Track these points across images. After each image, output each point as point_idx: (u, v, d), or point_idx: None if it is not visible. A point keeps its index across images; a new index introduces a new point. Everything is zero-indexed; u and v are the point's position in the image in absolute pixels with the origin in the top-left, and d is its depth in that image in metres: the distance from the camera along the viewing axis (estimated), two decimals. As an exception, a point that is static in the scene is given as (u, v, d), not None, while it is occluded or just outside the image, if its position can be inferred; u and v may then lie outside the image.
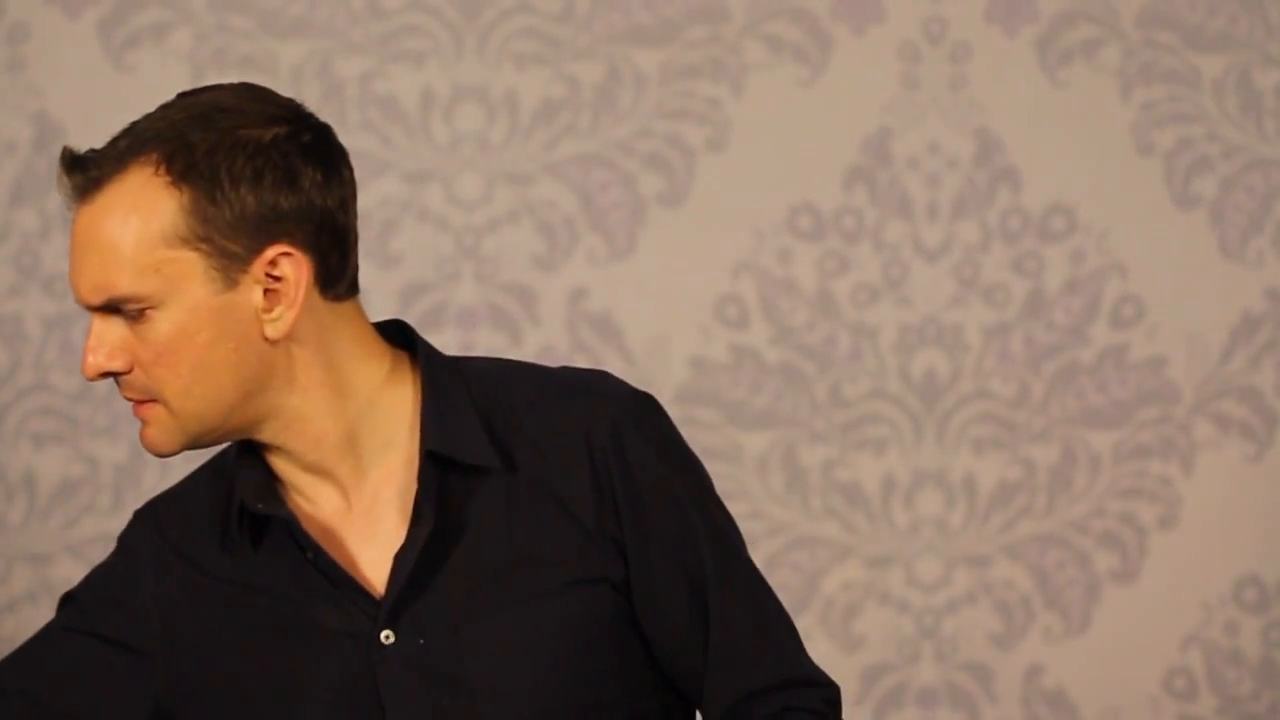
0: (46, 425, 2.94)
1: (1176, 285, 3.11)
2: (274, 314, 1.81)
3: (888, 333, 3.07)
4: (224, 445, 1.91)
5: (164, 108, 1.88)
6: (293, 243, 1.83)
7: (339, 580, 1.82)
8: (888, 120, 3.08)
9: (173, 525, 1.93)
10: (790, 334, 3.06)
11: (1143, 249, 3.11)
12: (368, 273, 3.06)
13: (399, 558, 1.83)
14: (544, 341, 2.99)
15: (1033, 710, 3.09)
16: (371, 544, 1.85)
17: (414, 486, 1.83)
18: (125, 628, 1.93)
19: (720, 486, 1.93)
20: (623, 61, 2.95)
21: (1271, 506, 3.12)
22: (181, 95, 1.87)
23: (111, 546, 2.96)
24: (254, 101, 1.96)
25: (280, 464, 1.86)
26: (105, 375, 1.79)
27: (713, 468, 1.94)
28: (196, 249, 1.80)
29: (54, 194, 2.94)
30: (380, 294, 2.98)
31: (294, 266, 1.82)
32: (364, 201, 3.04)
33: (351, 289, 1.87)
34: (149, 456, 2.94)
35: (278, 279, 1.81)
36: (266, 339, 1.81)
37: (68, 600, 2.01)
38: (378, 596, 1.82)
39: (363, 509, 1.86)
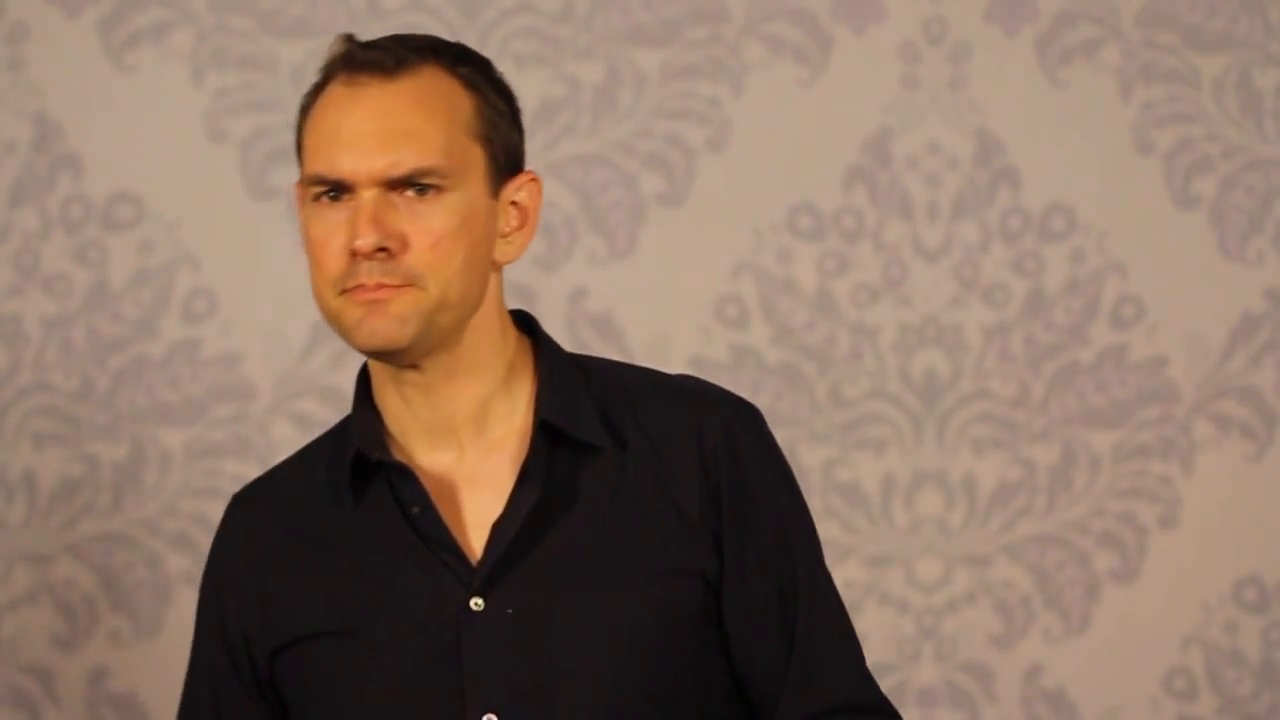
0: (46, 425, 2.94)
1: (1176, 285, 3.12)
2: (510, 237, 1.89)
3: (888, 333, 3.08)
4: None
5: (375, 45, 1.92)
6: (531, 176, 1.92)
7: (436, 541, 1.84)
8: (888, 120, 3.08)
9: (260, 503, 1.98)
10: (790, 334, 3.06)
11: (1143, 249, 3.11)
12: (368, 273, 3.06)
13: (499, 526, 1.85)
14: (544, 341, 2.99)
15: (1033, 710, 3.09)
16: (472, 510, 1.87)
17: (523, 459, 1.86)
18: (242, 662, 1.93)
19: (720, 486, 1.94)
20: (623, 61, 2.95)
21: (1271, 506, 3.12)
22: (371, 45, 1.92)
23: (111, 546, 2.98)
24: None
25: (405, 417, 1.89)
26: (374, 253, 1.81)
27: (713, 468, 1.96)
28: (483, 147, 1.87)
29: (54, 194, 2.95)
30: (380, 294, 2.98)
31: (533, 196, 1.90)
32: (364, 201, 3.04)
33: None
34: (149, 456, 2.96)
35: (517, 205, 1.89)
36: (494, 260, 1.87)
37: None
38: (473, 562, 1.84)
39: (468, 474, 1.88)
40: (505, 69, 3.05)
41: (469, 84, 1.89)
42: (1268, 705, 3.13)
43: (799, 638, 1.90)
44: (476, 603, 1.83)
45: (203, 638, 1.94)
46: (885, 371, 3.07)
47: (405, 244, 1.83)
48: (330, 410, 2.96)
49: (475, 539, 1.85)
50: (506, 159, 1.89)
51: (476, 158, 1.87)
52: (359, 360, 2.98)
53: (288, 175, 2.97)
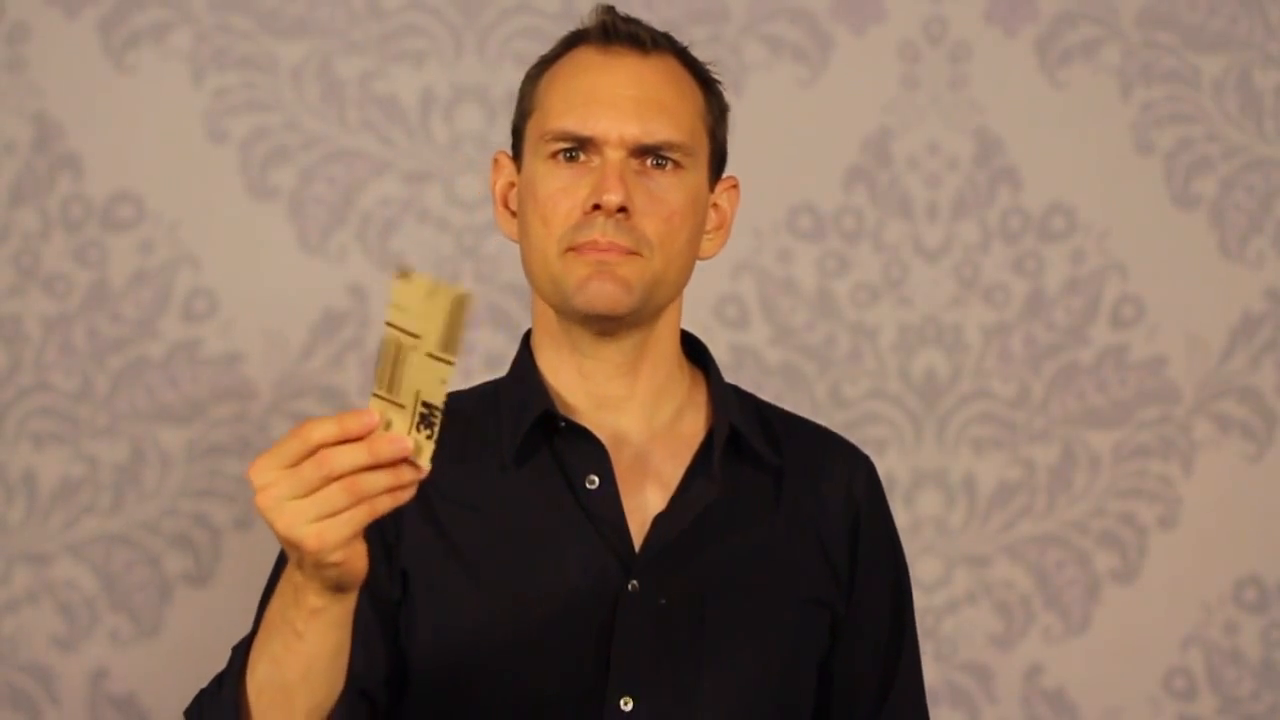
0: (46, 425, 2.94)
1: (1176, 285, 3.12)
2: (711, 235, 1.96)
3: (888, 333, 3.08)
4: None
5: (633, 20, 1.96)
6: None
7: (601, 517, 1.86)
8: (888, 120, 3.08)
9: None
10: (790, 334, 3.06)
11: (1143, 249, 3.11)
12: (368, 272, 3.08)
13: (666, 516, 1.87)
14: (544, 341, 2.99)
15: (1033, 710, 3.09)
16: (631, 494, 1.89)
17: (684, 456, 1.90)
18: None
19: (720, 486, 1.97)
20: (623, 61, 2.95)
21: (1271, 506, 3.13)
22: (628, 19, 1.95)
23: (111, 546, 2.97)
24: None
25: (578, 392, 1.91)
26: (615, 212, 1.85)
27: (713, 468, 1.98)
28: (710, 138, 1.94)
29: (54, 194, 2.95)
30: (380, 294, 2.98)
31: (732, 203, 1.98)
32: (364, 201, 3.06)
33: None
34: (149, 456, 2.96)
35: (717, 208, 1.96)
36: (698, 253, 1.94)
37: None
38: (635, 545, 1.86)
39: (633, 460, 1.91)
40: (505, 69, 3.07)
41: (702, 80, 1.95)
42: (1268, 705, 3.13)
43: (893, 694, 2.00)
44: (634, 585, 1.85)
45: None
46: (885, 371, 3.07)
47: (642, 210, 1.86)
48: (330, 410, 2.97)
49: (634, 524, 1.88)
50: (720, 159, 1.96)
51: (705, 147, 1.93)
52: (359, 360, 2.98)
53: (288, 175, 2.97)
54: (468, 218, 3.00)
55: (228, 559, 2.95)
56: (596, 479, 1.87)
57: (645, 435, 1.92)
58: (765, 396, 2.94)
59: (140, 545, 2.95)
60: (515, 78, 2.01)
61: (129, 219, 2.95)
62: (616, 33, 1.92)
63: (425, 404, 1.56)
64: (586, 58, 1.92)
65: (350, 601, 1.63)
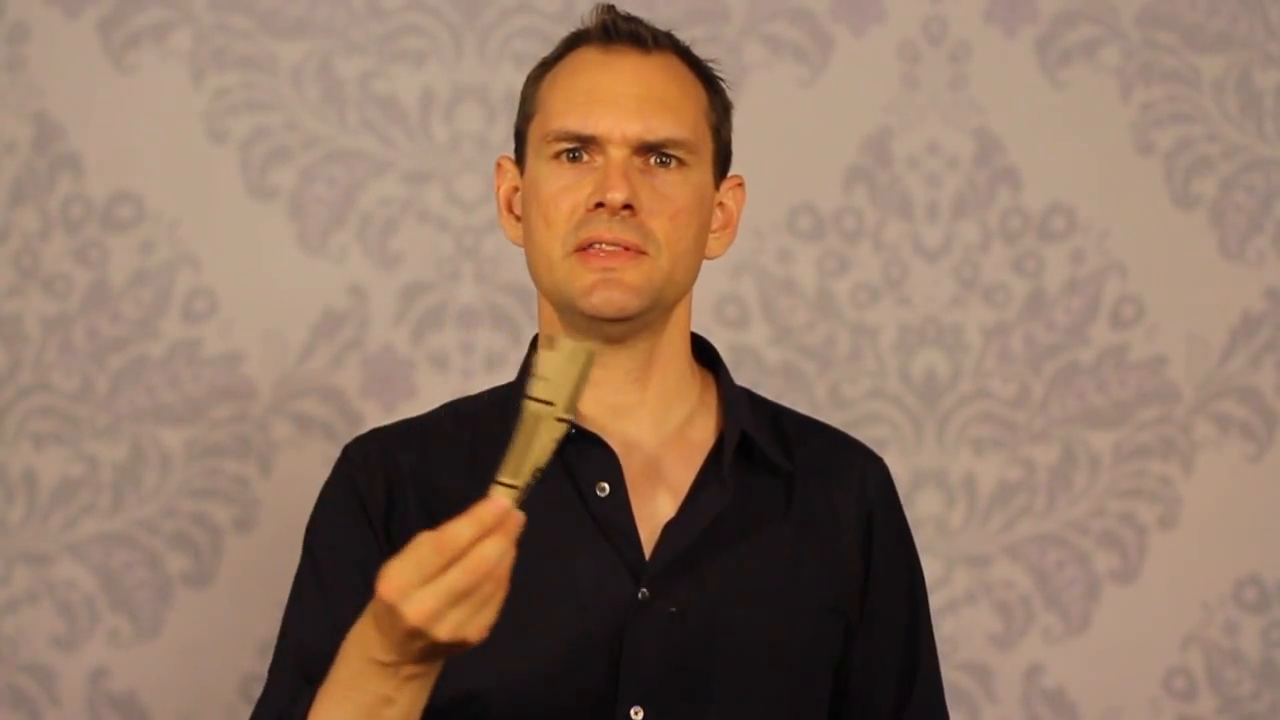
0: (46, 425, 2.94)
1: (1176, 285, 3.12)
2: (717, 234, 1.94)
3: (888, 333, 3.08)
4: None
5: (634, 19, 1.95)
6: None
7: (612, 524, 1.84)
8: (888, 120, 3.08)
9: (412, 443, 1.94)
10: (790, 334, 3.06)
11: (1143, 249, 3.11)
12: (368, 272, 3.08)
13: (677, 524, 1.86)
14: (544, 341, 2.99)
15: (1033, 710, 3.09)
16: (642, 502, 1.87)
17: (694, 462, 1.89)
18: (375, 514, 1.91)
19: (720, 487, 1.96)
20: (623, 61, 2.94)
21: (1271, 506, 3.12)
22: (629, 18, 1.94)
23: (111, 546, 2.97)
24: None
25: (587, 398, 1.86)
26: (621, 209, 1.84)
27: (713, 468, 1.98)
28: (714, 135, 1.93)
29: (54, 194, 2.95)
30: (380, 294, 2.98)
31: (738, 201, 1.97)
32: (364, 201, 3.06)
33: None
34: (149, 456, 2.96)
35: (723, 207, 1.95)
36: (704, 252, 1.93)
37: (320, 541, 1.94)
38: (645, 554, 1.84)
39: (642, 466, 1.90)
40: (505, 69, 3.07)
41: (704, 78, 1.95)
42: (1268, 705, 3.13)
43: (913, 701, 1.97)
44: (644, 594, 1.84)
45: (339, 533, 1.90)
46: (885, 371, 3.07)
47: (648, 209, 1.85)
48: (330, 410, 2.96)
49: (644, 531, 1.86)
50: (725, 157, 1.96)
51: (709, 145, 1.93)
52: (359, 360, 2.98)
53: (288, 175, 2.97)
54: (468, 218, 3.00)
55: (228, 559, 2.95)
56: (607, 486, 1.86)
57: (656, 441, 1.91)
58: (765, 396, 2.94)
59: (140, 545, 2.95)
60: (515, 78, 2.01)
61: (129, 219, 2.95)
62: (618, 32, 1.91)
63: (536, 469, 1.61)
64: (588, 57, 1.91)
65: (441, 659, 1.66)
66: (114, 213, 2.95)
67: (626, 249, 1.84)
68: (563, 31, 2.00)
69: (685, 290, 1.91)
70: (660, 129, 1.87)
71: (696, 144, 1.89)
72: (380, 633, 1.64)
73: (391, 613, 1.61)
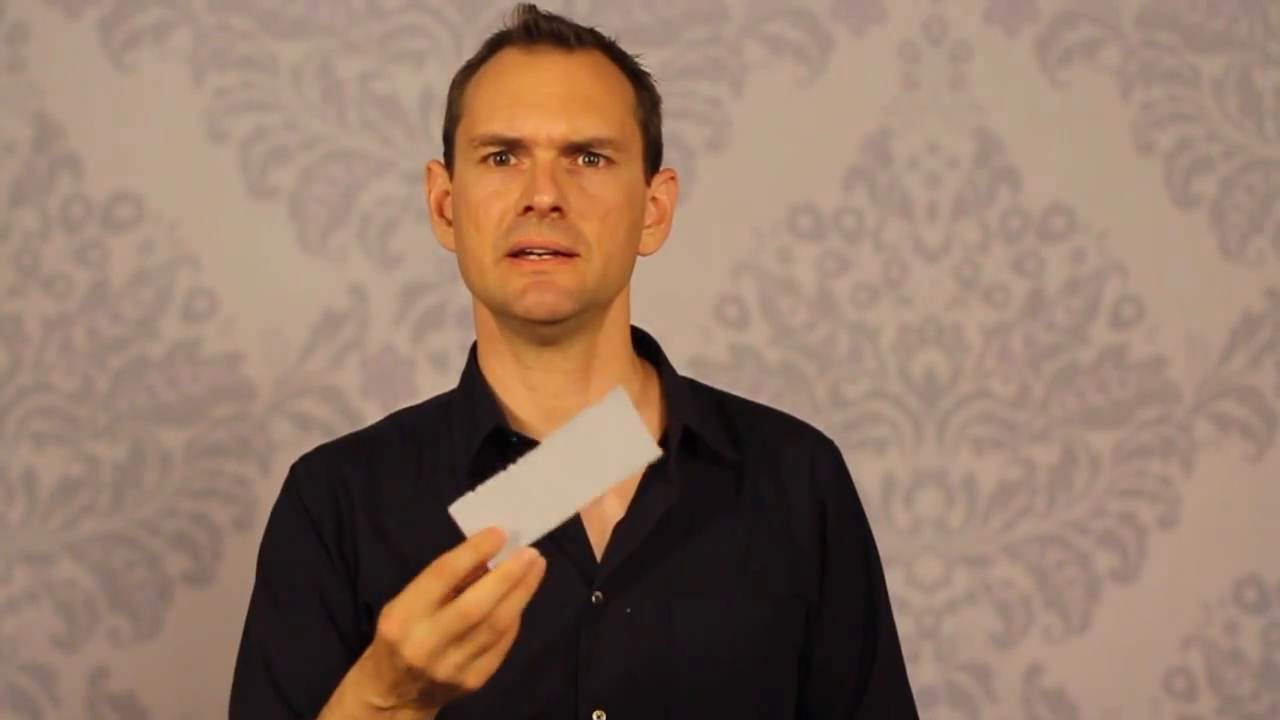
0: (46, 425, 2.94)
1: (1176, 285, 3.12)
2: (651, 230, 1.93)
3: (888, 333, 3.08)
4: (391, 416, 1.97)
5: (556, 18, 1.93)
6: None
7: (559, 531, 1.83)
8: (888, 120, 3.08)
9: (358, 459, 1.93)
10: (790, 334, 3.06)
11: (1143, 249, 3.11)
12: (367, 272, 3.08)
13: (626, 525, 1.86)
14: (544, 341, 2.99)
15: (1033, 710, 3.09)
16: (591, 505, 1.84)
17: None
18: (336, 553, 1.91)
19: (720, 486, 1.96)
20: (623, 61, 2.95)
21: (1271, 506, 3.12)
22: (550, 17, 1.93)
23: (111, 546, 2.97)
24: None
25: (526, 404, 1.89)
26: (549, 212, 1.83)
27: (713, 468, 1.98)
28: (643, 131, 1.91)
29: (54, 194, 2.95)
30: (380, 294, 2.98)
31: (671, 195, 1.95)
32: (364, 201, 3.06)
33: None
34: (149, 456, 2.96)
35: (656, 202, 1.94)
36: (638, 249, 1.92)
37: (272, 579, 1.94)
38: (596, 556, 1.84)
39: None
40: (505, 69, 3.05)
41: (631, 73, 1.93)
42: (1268, 705, 3.13)
43: (874, 676, 1.96)
44: (597, 597, 1.84)
45: (292, 553, 1.90)
46: (885, 371, 3.07)
47: (577, 210, 1.85)
48: (330, 410, 2.96)
49: (593, 533, 1.86)
50: (655, 152, 1.94)
51: (638, 141, 1.91)
52: (359, 360, 2.98)
53: (288, 175, 2.97)
54: (468, 218, 3.00)
55: (228, 559, 2.95)
56: None
57: None
58: (765, 396, 2.94)
59: (140, 545, 2.95)
60: (515, 78, 2.01)
61: (129, 219, 2.95)
62: (539, 31, 1.90)
63: None
64: (511, 59, 1.90)
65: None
66: (114, 213, 2.95)
67: (557, 253, 1.83)
68: (563, 31, 2.00)
69: (619, 289, 1.90)
70: (586, 129, 1.86)
71: (624, 142, 1.88)
72: (378, 676, 1.66)
73: (392, 651, 1.63)
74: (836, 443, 2.02)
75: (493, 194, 1.85)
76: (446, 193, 1.93)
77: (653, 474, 1.86)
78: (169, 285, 2.95)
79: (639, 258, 1.93)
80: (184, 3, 2.97)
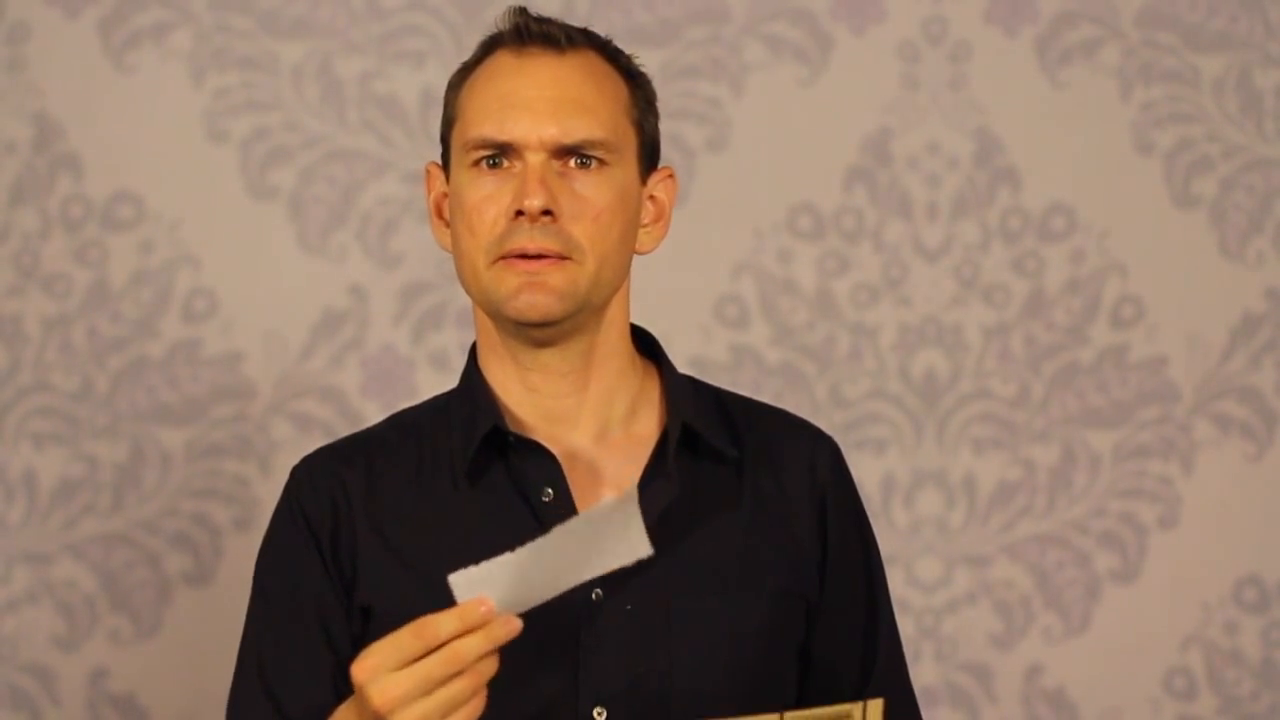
0: (46, 425, 2.94)
1: (1176, 285, 3.12)
2: (649, 229, 1.93)
3: (888, 333, 3.08)
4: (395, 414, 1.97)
5: (547, 19, 1.94)
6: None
7: None
8: (888, 120, 3.08)
9: (355, 462, 1.93)
10: (790, 334, 3.06)
11: (1143, 249, 3.11)
12: (367, 272, 3.08)
13: None
14: (544, 341, 2.99)
15: (1033, 710, 3.09)
16: (590, 503, 1.86)
17: (639, 459, 1.88)
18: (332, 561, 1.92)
19: (720, 486, 1.96)
20: (623, 61, 2.95)
21: (1271, 506, 3.12)
22: (541, 19, 1.93)
23: (111, 546, 2.97)
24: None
25: (525, 404, 1.89)
26: (540, 216, 1.83)
27: (713, 468, 1.98)
28: (637, 131, 1.90)
29: (54, 194, 2.95)
30: (380, 294, 2.98)
31: (669, 193, 1.95)
32: (364, 201, 3.06)
33: None
34: (149, 456, 2.96)
35: (654, 200, 1.93)
36: (634, 248, 1.91)
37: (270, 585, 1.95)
38: None
39: (588, 468, 1.89)
40: (505, 69, 3.04)
41: (625, 72, 1.92)
42: (1268, 705, 3.13)
43: (876, 672, 1.96)
44: (597, 594, 1.84)
45: (289, 560, 1.91)
46: (885, 371, 3.07)
47: (569, 213, 1.84)
48: (330, 410, 2.96)
49: None
50: (651, 150, 1.93)
51: (632, 141, 1.90)
52: (359, 360, 2.98)
53: (288, 175, 2.97)
54: (468, 218, 3.00)
55: (228, 559, 2.95)
56: (551, 491, 1.85)
57: (599, 441, 1.90)
58: (765, 396, 2.95)
59: (140, 545, 2.95)
60: (515, 78, 2.01)
61: (129, 219, 2.95)
62: (530, 34, 1.90)
63: None
64: (502, 62, 1.91)
65: None
66: (114, 213, 2.95)
67: (549, 257, 1.84)
68: (564, 32, 2.00)
69: (614, 290, 1.90)
70: (576, 131, 1.85)
71: (617, 142, 1.88)
72: (361, 717, 1.68)
73: (360, 694, 1.65)
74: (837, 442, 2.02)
75: (485, 198, 1.85)
76: (445, 194, 1.93)
77: (653, 471, 1.87)
78: (169, 285, 2.95)
79: (638, 257, 1.93)
80: (184, 3, 2.97)
